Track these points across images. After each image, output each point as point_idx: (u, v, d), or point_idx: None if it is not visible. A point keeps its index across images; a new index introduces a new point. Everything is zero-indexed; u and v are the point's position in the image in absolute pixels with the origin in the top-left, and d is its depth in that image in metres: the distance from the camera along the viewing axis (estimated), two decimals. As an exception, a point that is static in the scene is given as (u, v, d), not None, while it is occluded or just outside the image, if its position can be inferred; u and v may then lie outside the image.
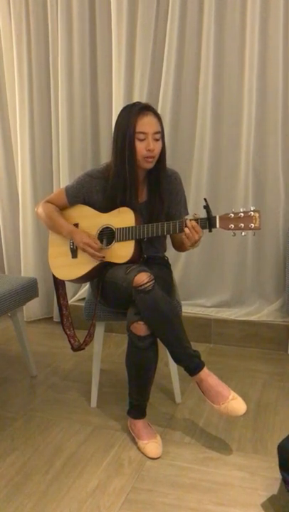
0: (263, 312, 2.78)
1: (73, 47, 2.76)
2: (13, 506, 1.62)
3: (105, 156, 2.89)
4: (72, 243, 2.04)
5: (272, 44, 2.48)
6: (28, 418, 2.13)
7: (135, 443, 1.92)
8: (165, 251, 2.16)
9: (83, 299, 2.66)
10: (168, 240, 2.14)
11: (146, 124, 1.85)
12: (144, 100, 2.58)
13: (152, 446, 1.87)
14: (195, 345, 1.89)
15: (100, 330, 2.13)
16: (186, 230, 1.79)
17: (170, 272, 2.15)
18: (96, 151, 2.95)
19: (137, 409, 1.95)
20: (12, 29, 2.85)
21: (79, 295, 3.05)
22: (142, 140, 1.85)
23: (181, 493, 1.66)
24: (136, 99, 2.66)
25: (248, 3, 2.46)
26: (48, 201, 2.09)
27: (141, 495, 1.66)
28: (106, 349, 2.75)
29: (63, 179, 2.89)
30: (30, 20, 2.82)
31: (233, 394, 1.79)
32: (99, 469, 1.79)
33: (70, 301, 2.93)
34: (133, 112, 1.86)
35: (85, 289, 2.98)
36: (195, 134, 2.69)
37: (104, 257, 1.94)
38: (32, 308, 3.18)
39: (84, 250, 1.94)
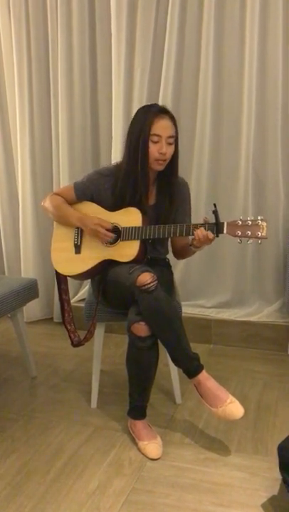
0: (263, 313, 2.77)
1: (73, 45, 2.76)
2: (13, 507, 1.62)
3: (105, 156, 2.90)
4: (77, 238, 2.03)
5: (272, 42, 2.49)
6: (28, 419, 2.13)
7: (135, 444, 1.92)
8: (167, 253, 2.16)
9: (84, 299, 2.66)
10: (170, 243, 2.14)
11: (161, 127, 1.85)
12: (144, 101, 2.58)
13: (152, 446, 1.87)
14: (195, 346, 1.89)
15: (100, 331, 2.13)
16: (198, 233, 1.79)
17: (171, 273, 2.15)
18: (96, 150, 2.95)
19: (137, 410, 1.95)
20: (12, 29, 2.85)
21: (79, 296, 3.05)
22: (155, 142, 1.86)
23: (182, 494, 1.66)
24: (136, 98, 2.66)
25: (247, 1, 2.46)
26: (56, 193, 2.09)
27: (141, 496, 1.66)
28: (106, 350, 2.74)
29: (63, 180, 2.89)
30: (30, 18, 2.82)
31: (230, 397, 1.79)
32: (99, 470, 1.79)
33: (71, 302, 2.93)
34: (150, 113, 1.87)
35: (86, 289, 2.98)
36: (195, 133, 2.69)
37: (113, 237, 1.92)
38: (32, 309, 3.17)
39: (95, 232, 1.92)
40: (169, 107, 2.63)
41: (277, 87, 2.52)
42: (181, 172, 2.10)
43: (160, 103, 2.63)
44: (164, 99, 2.65)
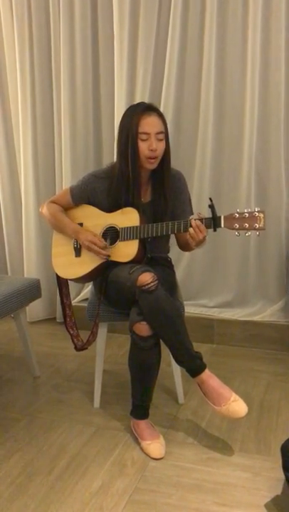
0: (266, 312, 2.77)
1: (75, 45, 2.76)
2: (16, 507, 1.62)
3: (107, 156, 2.90)
4: (76, 242, 2.04)
5: (274, 42, 2.48)
6: (31, 419, 2.13)
7: (138, 443, 1.92)
8: (168, 252, 2.16)
9: (86, 299, 2.66)
10: (172, 240, 2.14)
11: (148, 125, 1.85)
12: (146, 99, 2.58)
13: (155, 446, 1.87)
14: (197, 346, 1.89)
15: (102, 330, 2.13)
16: (191, 229, 1.78)
17: (173, 273, 2.15)
18: (98, 151, 2.95)
19: (140, 410, 1.95)
20: (14, 29, 2.86)
21: (81, 296, 3.05)
22: (144, 140, 1.86)
23: (184, 494, 1.66)
24: (138, 98, 2.66)
25: (249, 1, 2.46)
26: (53, 201, 2.10)
27: (144, 495, 1.66)
28: (109, 350, 2.75)
29: (66, 180, 2.89)
30: (33, 19, 2.82)
31: (234, 396, 1.78)
32: (102, 470, 1.79)
33: (73, 302, 2.93)
34: (136, 112, 1.87)
35: (88, 289, 2.98)
36: (197, 133, 2.69)
37: (109, 255, 1.94)
38: (35, 309, 3.18)
39: (89, 249, 1.94)
40: (172, 106, 2.67)
41: (280, 86, 2.51)
42: (184, 172, 2.10)
43: (162, 103, 2.66)
44: (167, 99, 2.65)
